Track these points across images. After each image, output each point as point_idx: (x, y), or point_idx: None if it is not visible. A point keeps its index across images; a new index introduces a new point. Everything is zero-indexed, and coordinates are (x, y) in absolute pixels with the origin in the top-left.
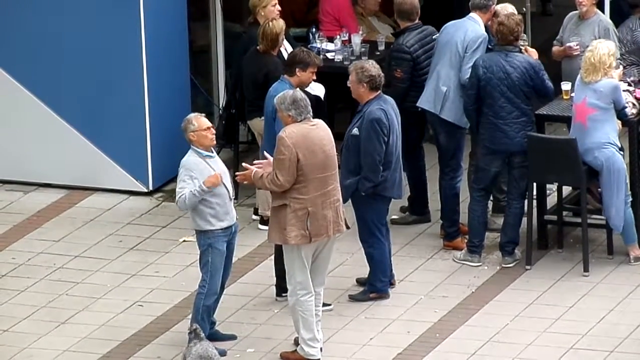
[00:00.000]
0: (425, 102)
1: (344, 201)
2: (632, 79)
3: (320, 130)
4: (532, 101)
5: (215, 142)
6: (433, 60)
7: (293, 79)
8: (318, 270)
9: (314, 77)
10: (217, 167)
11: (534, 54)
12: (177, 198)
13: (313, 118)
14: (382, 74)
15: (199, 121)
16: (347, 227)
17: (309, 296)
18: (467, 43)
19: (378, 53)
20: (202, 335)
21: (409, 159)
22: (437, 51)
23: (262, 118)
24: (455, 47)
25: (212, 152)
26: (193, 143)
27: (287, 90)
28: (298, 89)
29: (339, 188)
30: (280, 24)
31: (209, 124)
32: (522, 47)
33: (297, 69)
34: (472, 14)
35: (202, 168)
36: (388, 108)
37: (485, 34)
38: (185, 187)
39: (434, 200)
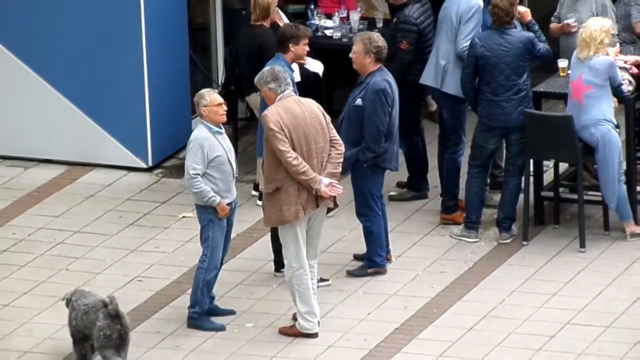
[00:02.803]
0: (426, 77)
1: (344, 172)
2: (628, 56)
3: (303, 105)
4: (529, 77)
5: (225, 119)
6: (435, 36)
7: (288, 55)
8: (309, 243)
9: (308, 50)
10: (225, 143)
11: (526, 14)
12: (189, 175)
13: (312, 95)
14: (387, 46)
15: (211, 96)
16: (336, 205)
17: (304, 271)
18: (460, 14)
19: (377, 30)
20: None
21: (405, 134)
22: (437, 27)
23: (259, 93)
24: (450, 20)
25: (221, 128)
26: (204, 118)
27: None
28: (277, 65)
29: (327, 161)
30: None
31: (221, 100)
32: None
33: (289, 45)
34: None
35: (212, 143)
36: (390, 80)
37: (480, 3)
38: (199, 165)
39: (432, 177)
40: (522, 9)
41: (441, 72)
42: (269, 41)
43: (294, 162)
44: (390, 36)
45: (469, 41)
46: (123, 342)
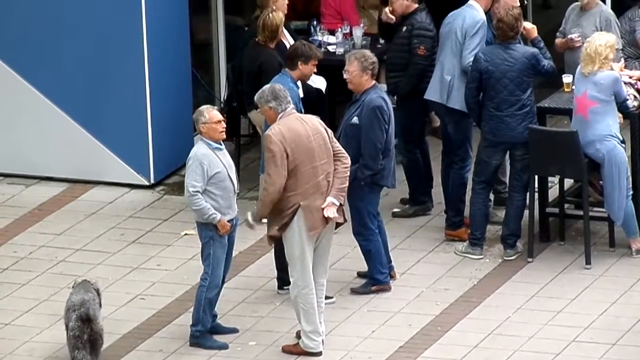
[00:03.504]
0: (432, 93)
1: None
2: (633, 71)
3: (306, 123)
4: (534, 93)
5: (225, 136)
6: (438, 52)
7: (294, 72)
8: (319, 260)
9: (315, 70)
10: (225, 159)
11: (533, 30)
12: (189, 192)
13: (314, 111)
14: (377, 61)
15: (210, 113)
16: (345, 220)
17: (309, 290)
18: (465, 29)
19: (379, 46)
20: None
21: (407, 146)
22: (440, 43)
23: (259, 110)
24: (455, 35)
25: (221, 144)
26: (203, 135)
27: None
28: (279, 83)
29: (334, 176)
30: (280, 16)
31: (220, 117)
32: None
33: (298, 62)
34: (470, 1)
35: (212, 160)
36: (385, 97)
37: (484, 18)
38: (199, 183)
39: (436, 193)
40: (528, 25)
41: (447, 87)
42: (270, 63)
43: (270, 190)
44: (401, 45)
45: (470, 72)
46: (93, 346)
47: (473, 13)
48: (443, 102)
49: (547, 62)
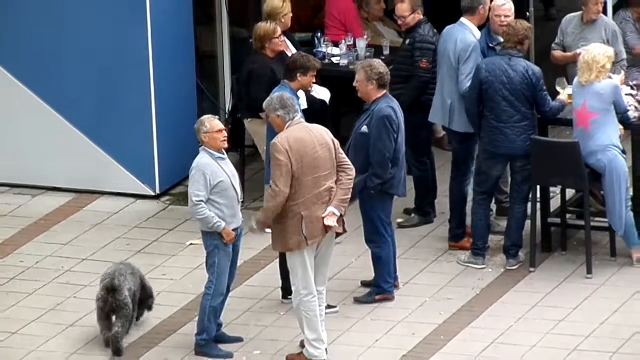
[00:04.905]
0: (434, 116)
1: (352, 200)
2: (634, 82)
3: (311, 132)
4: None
5: (226, 144)
6: (437, 67)
7: (294, 83)
8: (318, 269)
9: (314, 80)
10: (227, 168)
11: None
12: (192, 202)
13: (318, 122)
14: (389, 72)
15: (211, 123)
16: (344, 230)
17: (312, 297)
18: (458, 53)
19: (383, 57)
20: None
21: (416, 157)
22: (438, 60)
23: (251, 120)
24: (449, 58)
25: (223, 153)
26: (205, 144)
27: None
28: (286, 92)
29: (335, 188)
30: (266, 25)
31: (222, 126)
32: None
33: (297, 74)
34: (462, 19)
35: (214, 169)
36: (395, 106)
37: (475, 40)
38: (202, 192)
39: (440, 203)
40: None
41: (448, 111)
42: (260, 69)
43: (278, 200)
44: (404, 57)
45: (471, 80)
46: (118, 314)
47: (465, 36)
48: (446, 125)
49: (545, 92)
